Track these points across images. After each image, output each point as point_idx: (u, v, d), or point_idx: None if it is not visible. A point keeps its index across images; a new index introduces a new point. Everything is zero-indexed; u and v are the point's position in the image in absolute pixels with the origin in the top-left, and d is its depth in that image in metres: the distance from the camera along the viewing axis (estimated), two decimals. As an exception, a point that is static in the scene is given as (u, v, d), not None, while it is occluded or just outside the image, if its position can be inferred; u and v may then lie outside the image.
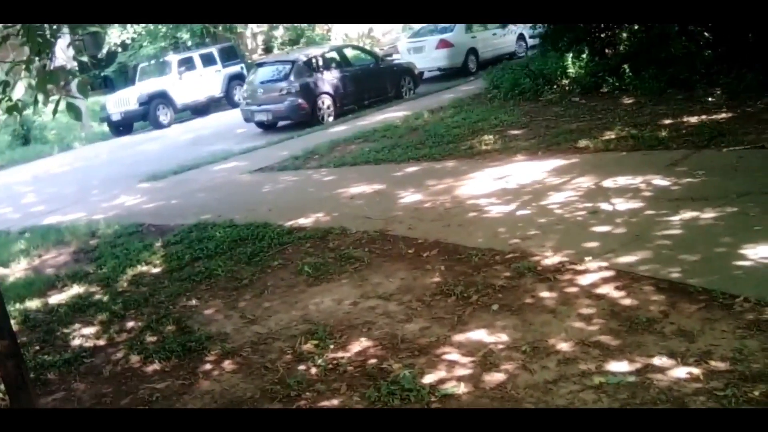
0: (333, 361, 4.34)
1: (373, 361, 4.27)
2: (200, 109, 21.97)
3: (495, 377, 3.82)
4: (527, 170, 7.87)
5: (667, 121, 8.85)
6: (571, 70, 12.71)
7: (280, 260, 6.35)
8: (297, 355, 4.53)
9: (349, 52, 18.00)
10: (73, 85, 5.55)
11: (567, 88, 12.46)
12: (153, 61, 22.23)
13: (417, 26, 24.07)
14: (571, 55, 12.94)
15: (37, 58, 4.73)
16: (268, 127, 15.56)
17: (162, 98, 20.63)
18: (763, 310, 4.00)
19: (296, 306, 5.31)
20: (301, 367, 4.36)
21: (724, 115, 8.80)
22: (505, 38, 20.97)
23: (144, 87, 20.71)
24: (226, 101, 22.20)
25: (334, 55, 16.70)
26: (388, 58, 20.23)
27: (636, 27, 12.72)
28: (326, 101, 15.17)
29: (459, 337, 4.35)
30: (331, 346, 4.53)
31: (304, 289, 5.61)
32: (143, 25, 23.50)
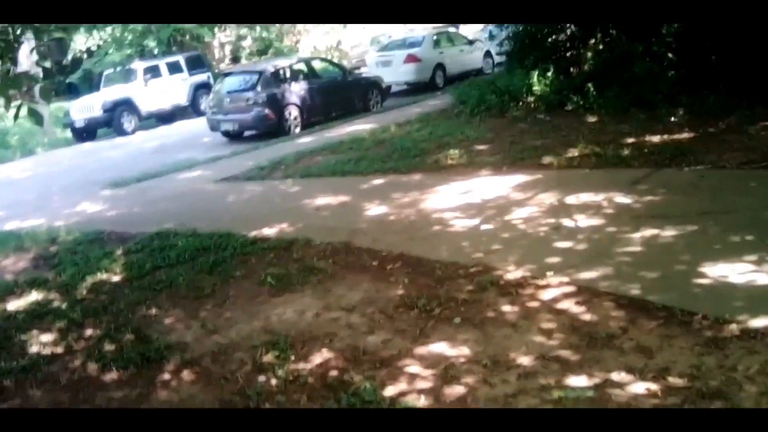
0: (294, 372, 4.31)
1: (334, 372, 4.25)
2: (165, 117, 21.77)
3: (455, 390, 3.83)
4: (492, 185, 7.92)
5: (630, 140, 8.98)
6: (536, 88, 12.85)
7: (243, 270, 6.30)
8: (257, 366, 4.49)
9: (317, 64, 18.00)
10: (36, 89, 5.48)
11: (532, 105, 12.59)
12: (118, 68, 21.99)
13: (385, 40, 24.21)
14: (536, 72, 13.09)
15: (-1, 63, 4.68)
16: (234, 136, 15.45)
17: (127, 105, 20.38)
18: (721, 328, 4.06)
19: (258, 316, 5.27)
20: (261, 378, 4.32)
21: (686, 135, 8.95)
22: (473, 55, 21.16)
23: (108, 94, 20.45)
24: (192, 110, 22.00)
25: (301, 66, 16.68)
26: (356, 71, 20.27)
27: (600, 47, 12.92)
28: (293, 112, 15.12)
29: (421, 350, 4.35)
30: (292, 357, 4.50)
31: (266, 299, 5.57)
32: (109, 31, 23.29)
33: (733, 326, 4.03)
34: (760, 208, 5.96)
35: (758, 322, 4.04)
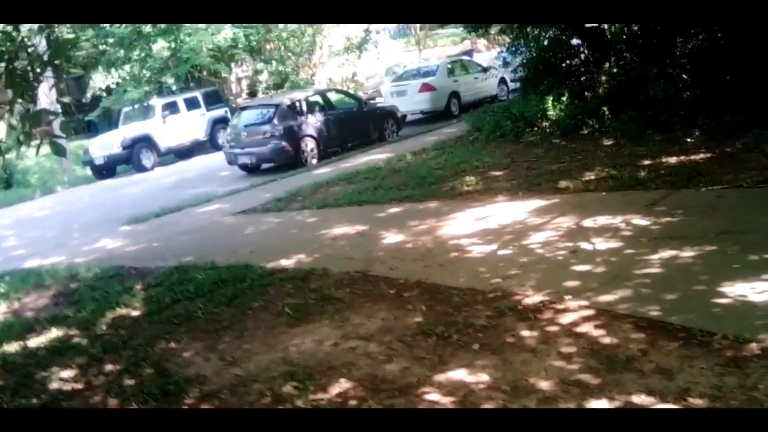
0: (313, 402, 4.29)
1: (353, 402, 4.23)
2: (184, 153, 22.01)
3: (475, 417, 3.80)
4: (508, 211, 7.91)
5: (647, 162, 8.95)
6: (551, 113, 12.86)
7: (261, 302, 6.32)
8: (276, 397, 4.48)
9: (333, 96, 18.14)
10: (56, 124, 5.58)
11: (547, 130, 12.60)
12: (137, 105, 22.30)
13: (400, 71, 24.39)
14: (551, 98, 13.11)
15: (20, 101, 4.77)
16: (251, 169, 15.57)
17: (145, 142, 20.64)
18: (742, 347, 4.01)
19: (276, 348, 5.27)
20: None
21: (702, 155, 8.91)
22: (487, 82, 21.24)
23: (127, 131, 20.72)
24: (210, 144, 22.22)
25: (317, 98, 16.85)
26: (372, 102, 20.42)
27: (614, 70, 12.95)
28: (310, 144, 15.23)
29: (440, 378, 4.33)
30: (311, 388, 4.48)
31: (284, 330, 5.57)
32: (127, 69, 23.62)
33: (753, 345, 3.98)
34: (779, 226, 5.91)
35: (780, 341, 3.99)
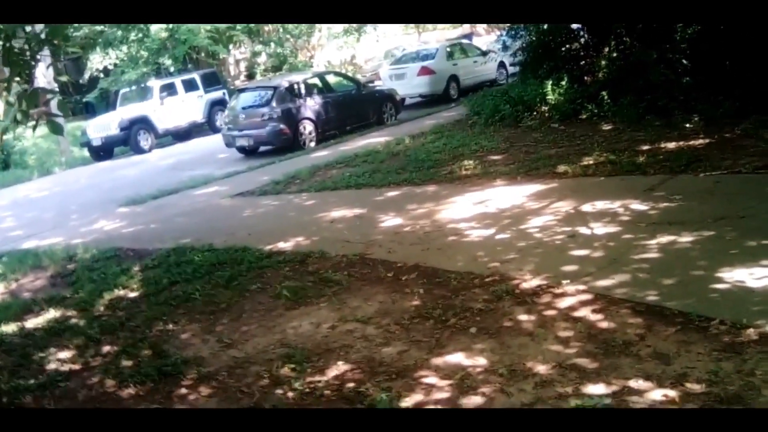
0: (310, 384, 4.31)
1: (350, 384, 4.24)
2: (182, 135, 21.95)
3: (472, 400, 3.80)
4: (507, 195, 7.90)
5: (645, 147, 8.93)
6: (550, 97, 12.83)
7: (259, 284, 6.32)
8: (274, 379, 4.49)
9: (331, 79, 18.06)
10: (54, 104, 5.55)
11: (546, 114, 12.57)
12: (134, 87, 22.21)
13: (399, 53, 24.29)
14: (550, 82, 13.08)
15: (17, 80, 4.74)
16: (249, 152, 15.53)
17: (143, 123, 20.59)
18: (739, 333, 4.02)
19: (274, 330, 5.27)
20: (278, 391, 4.32)
21: (701, 141, 8.89)
22: (486, 65, 21.17)
23: (125, 112, 20.66)
24: (207, 127, 22.18)
25: (316, 81, 16.78)
26: (370, 85, 20.33)
27: (614, 55, 12.89)
28: (308, 127, 15.19)
29: (437, 361, 4.33)
30: (309, 370, 4.49)
31: (282, 312, 5.58)
32: (125, 50, 23.52)
33: (751, 331, 3.98)
34: (777, 212, 5.90)
35: (777, 327, 3.99)
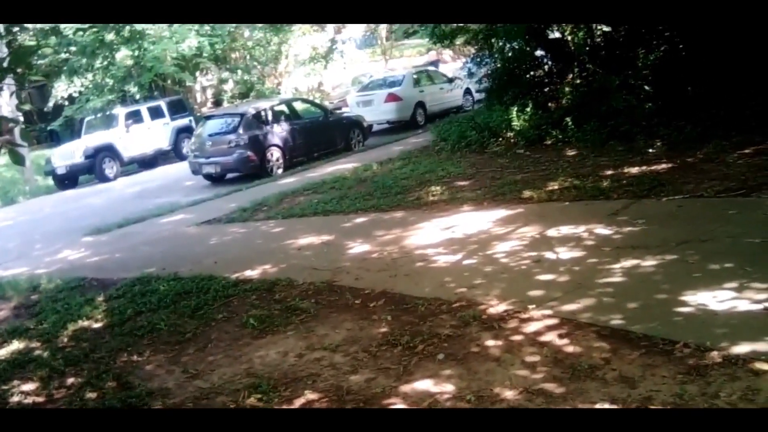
0: (277, 414, 4.26)
1: (317, 413, 4.20)
2: (148, 162, 21.81)
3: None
4: (473, 220, 7.95)
5: (609, 172, 9.05)
6: (515, 123, 12.95)
7: (225, 313, 6.27)
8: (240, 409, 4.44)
9: (299, 105, 18.07)
10: (17, 132, 5.48)
11: (512, 140, 12.68)
12: (99, 114, 22.05)
13: (366, 80, 24.43)
14: (515, 108, 13.21)
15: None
16: (216, 179, 15.46)
17: (108, 151, 20.43)
18: (703, 355, 4.06)
19: (240, 359, 5.22)
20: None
21: (664, 165, 9.03)
22: (453, 92, 21.37)
23: (90, 140, 20.49)
24: (174, 154, 22.06)
25: (283, 108, 16.78)
26: (338, 111, 20.41)
27: (578, 81, 13.10)
28: (275, 153, 15.18)
29: (405, 388, 4.32)
30: (276, 400, 4.45)
31: (248, 342, 5.52)
32: (90, 77, 23.34)
33: (715, 354, 4.03)
34: (738, 235, 6.00)
35: (739, 349, 4.04)
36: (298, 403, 4.36)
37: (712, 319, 4.51)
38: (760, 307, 4.56)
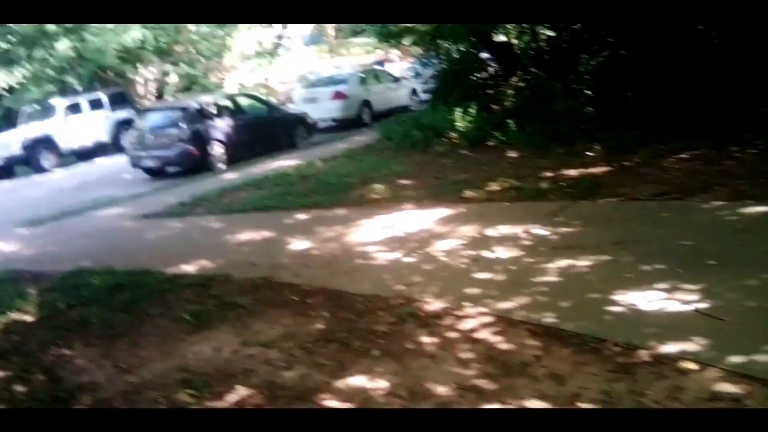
0: (208, 410, 4.21)
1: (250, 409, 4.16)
2: (86, 155, 21.30)
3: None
4: (415, 219, 7.98)
5: (549, 174, 9.19)
6: (459, 124, 13.06)
7: (159, 308, 6.15)
8: (170, 405, 4.36)
9: (243, 101, 17.88)
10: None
11: (456, 141, 12.79)
12: (38, 105, 21.48)
13: (313, 78, 24.34)
14: (460, 109, 13.32)
15: None
16: (156, 173, 15.21)
17: (46, 143, 19.93)
18: (631, 354, 4.14)
19: (173, 355, 5.13)
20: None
21: (602, 168, 9.21)
22: (399, 92, 21.46)
23: (27, 131, 19.95)
24: (114, 147, 21.61)
25: (227, 102, 16.58)
26: (283, 108, 20.28)
27: (521, 84, 13.25)
28: (218, 149, 14.98)
29: (339, 384, 4.30)
30: (207, 395, 4.39)
31: (182, 337, 5.44)
32: (29, 68, 22.71)
33: (643, 352, 4.12)
34: (670, 237, 6.14)
35: (667, 348, 4.14)
36: (230, 400, 4.30)
37: (642, 319, 4.61)
38: (689, 308, 4.68)
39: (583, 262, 5.78)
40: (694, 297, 4.82)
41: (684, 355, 4.04)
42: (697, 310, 4.62)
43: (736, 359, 3.92)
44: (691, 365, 3.93)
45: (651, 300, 4.85)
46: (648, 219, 6.85)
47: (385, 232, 7.62)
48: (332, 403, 4.07)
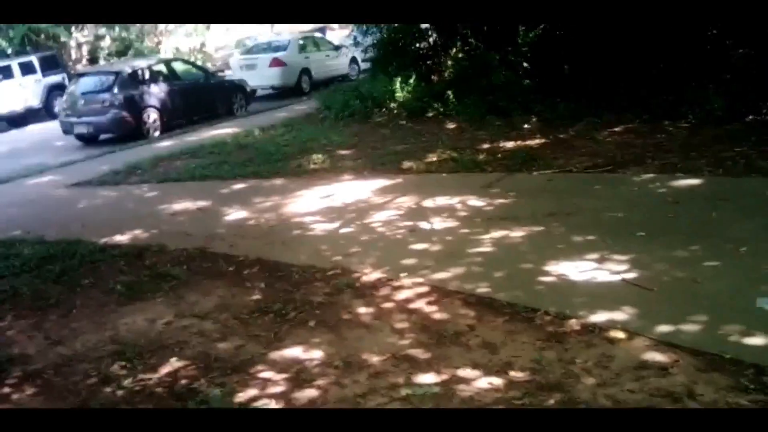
0: (140, 382, 4.17)
1: (183, 381, 4.13)
2: (17, 120, 20.59)
3: (307, 393, 3.81)
4: (353, 189, 7.98)
5: (486, 146, 9.28)
6: (399, 95, 13.05)
7: (92, 279, 6.05)
8: (102, 377, 4.31)
9: (179, 66, 17.45)
10: None
11: (395, 111, 12.78)
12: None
13: (251, 43, 23.94)
14: (399, 79, 13.29)
15: None
16: (89, 140, 14.79)
17: (-26, 108, 19.22)
18: (562, 323, 4.25)
19: (105, 326, 5.06)
20: (107, 389, 4.15)
21: (537, 141, 9.34)
22: (339, 60, 21.27)
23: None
24: (45, 112, 20.96)
25: (161, 68, 16.17)
26: (220, 74, 19.93)
27: (460, 55, 13.28)
28: (152, 115, 14.66)
29: (274, 355, 4.31)
30: (140, 367, 4.34)
31: (115, 308, 5.36)
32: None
33: (573, 321, 4.23)
34: (602, 209, 6.29)
35: (596, 317, 4.25)
36: (163, 371, 4.27)
37: (572, 289, 4.72)
38: (618, 278, 4.81)
39: (517, 233, 5.87)
40: (623, 267, 4.96)
41: (613, 324, 4.16)
42: (624, 280, 4.76)
43: (663, 328, 4.05)
44: (620, 334, 4.05)
45: (582, 270, 4.97)
46: (581, 191, 6.99)
47: (323, 203, 7.61)
48: (267, 374, 4.07)
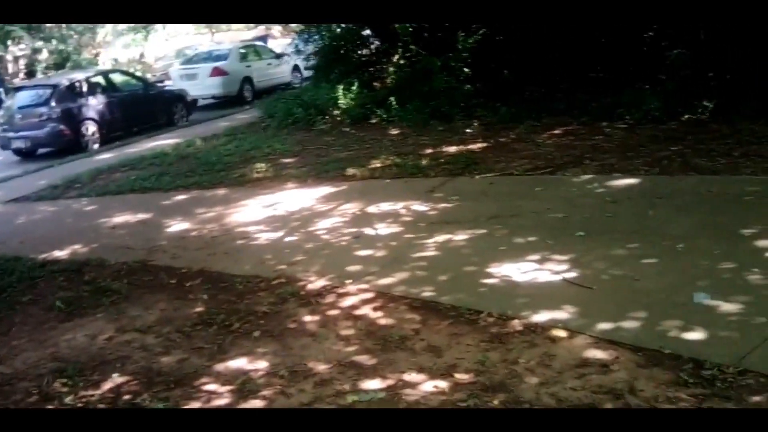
0: (82, 399, 4.08)
1: (126, 396, 4.06)
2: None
3: (252, 404, 3.78)
4: (297, 198, 7.95)
5: (428, 151, 9.34)
6: (342, 102, 13.03)
7: (31, 296, 5.92)
8: (44, 395, 4.22)
9: (117, 77, 17.19)
10: None
11: (338, 118, 12.76)
12: None
13: (191, 53, 23.71)
14: (342, 86, 13.28)
15: None
16: (26, 154, 14.50)
17: None
18: (505, 324, 4.29)
19: (46, 343, 4.95)
20: (48, 407, 4.06)
21: (479, 145, 9.43)
22: (281, 68, 21.20)
23: None
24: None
25: (100, 79, 15.91)
26: (160, 85, 19.67)
27: (402, 62, 13.35)
28: (91, 128, 14.42)
29: (218, 367, 4.26)
30: (81, 384, 4.26)
31: (55, 325, 5.24)
32: None
33: (516, 322, 4.28)
34: (542, 210, 6.38)
35: (539, 317, 4.31)
36: (105, 387, 4.19)
37: (514, 290, 4.78)
38: (558, 277, 4.89)
39: (460, 237, 5.92)
40: (564, 267, 5.04)
41: (554, 324, 4.22)
42: (565, 280, 4.84)
43: (603, 326, 4.12)
44: (562, 333, 4.11)
45: (524, 271, 5.04)
46: (522, 193, 7.08)
47: (267, 212, 7.56)
48: (212, 386, 4.03)
